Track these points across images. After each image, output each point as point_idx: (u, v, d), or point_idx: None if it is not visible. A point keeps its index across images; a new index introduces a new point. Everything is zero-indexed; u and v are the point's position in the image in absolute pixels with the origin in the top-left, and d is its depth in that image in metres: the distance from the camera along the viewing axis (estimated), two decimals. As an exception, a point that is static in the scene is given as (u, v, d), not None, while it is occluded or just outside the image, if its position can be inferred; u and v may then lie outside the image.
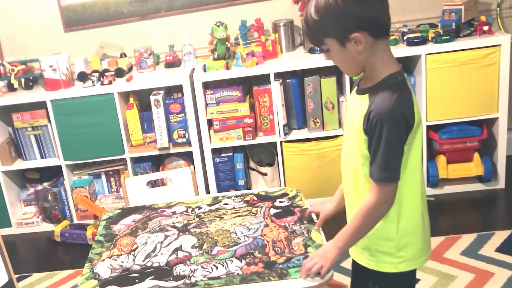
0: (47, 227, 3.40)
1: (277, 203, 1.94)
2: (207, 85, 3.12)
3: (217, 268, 1.60)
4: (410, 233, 1.52)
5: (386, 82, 1.43)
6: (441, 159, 3.07)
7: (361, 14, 1.39)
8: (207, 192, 3.25)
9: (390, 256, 1.53)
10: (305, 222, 1.79)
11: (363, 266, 1.59)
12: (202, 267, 1.62)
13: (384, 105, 1.39)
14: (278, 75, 3.06)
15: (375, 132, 1.40)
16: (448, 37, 2.91)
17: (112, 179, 3.43)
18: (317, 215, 1.80)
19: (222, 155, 3.21)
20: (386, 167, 1.42)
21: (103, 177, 3.43)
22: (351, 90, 1.62)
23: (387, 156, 1.41)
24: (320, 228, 1.76)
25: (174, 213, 1.99)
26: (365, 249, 1.56)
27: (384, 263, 1.55)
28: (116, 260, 1.72)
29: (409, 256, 1.53)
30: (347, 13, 1.39)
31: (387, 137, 1.39)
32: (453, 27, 2.94)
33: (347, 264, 2.56)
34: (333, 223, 1.73)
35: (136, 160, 3.30)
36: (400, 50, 2.95)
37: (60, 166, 3.29)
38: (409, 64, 3.11)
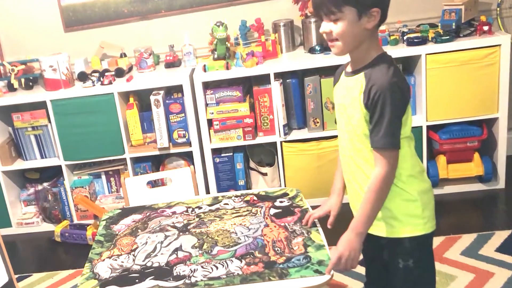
0: (47, 227, 3.40)
1: (277, 203, 1.94)
2: (207, 85, 3.12)
3: (217, 268, 1.60)
4: (426, 191, 1.60)
5: (379, 60, 1.52)
6: (441, 159, 3.07)
7: None
8: (207, 192, 3.25)
9: (416, 218, 1.58)
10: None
11: (387, 242, 1.60)
12: (202, 267, 1.62)
13: (383, 79, 1.47)
14: (278, 75, 3.06)
15: (377, 105, 1.47)
16: (448, 37, 2.91)
17: (112, 179, 3.43)
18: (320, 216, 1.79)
19: (222, 155, 3.21)
20: (391, 134, 1.48)
21: (103, 177, 3.43)
22: (335, 83, 1.68)
23: (390, 125, 1.47)
24: (320, 228, 1.75)
25: (174, 213, 1.99)
26: (391, 218, 1.59)
27: (412, 226, 1.58)
28: (116, 260, 1.72)
29: (430, 215, 1.61)
30: None
31: (389, 108, 1.46)
32: (453, 27, 2.94)
33: (347, 264, 2.57)
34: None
35: (136, 160, 3.30)
36: (400, 50, 2.95)
37: (60, 166, 3.29)
38: (409, 64, 3.11)
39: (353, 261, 1.54)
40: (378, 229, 1.61)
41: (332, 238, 1.77)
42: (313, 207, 1.90)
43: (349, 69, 1.60)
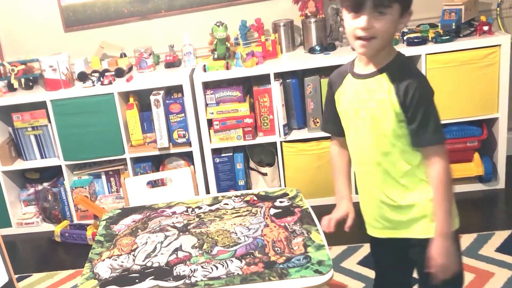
0: (47, 227, 3.40)
1: (277, 203, 1.94)
2: (207, 85, 3.12)
3: (217, 268, 1.60)
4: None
5: (400, 60, 1.53)
6: (441, 159, 3.07)
7: None
8: (207, 192, 3.25)
9: None
10: (305, 222, 1.79)
11: (420, 243, 1.53)
12: (202, 267, 1.62)
13: (419, 78, 1.48)
14: (278, 75, 3.06)
15: (420, 103, 1.45)
16: (448, 37, 2.91)
17: (112, 179, 3.43)
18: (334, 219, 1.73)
19: (222, 155, 3.21)
20: (439, 129, 1.49)
21: (103, 177, 3.43)
22: (337, 87, 1.62)
23: (436, 120, 1.48)
24: (320, 228, 1.75)
25: (174, 213, 1.99)
26: (423, 217, 1.54)
27: None
28: (116, 260, 1.72)
29: (456, 210, 1.57)
30: None
31: (433, 104, 1.47)
32: (453, 27, 2.94)
33: (347, 264, 2.57)
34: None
35: (136, 160, 3.30)
36: (400, 50, 2.94)
37: (60, 166, 3.29)
38: (409, 64, 3.11)
39: (452, 266, 1.51)
40: (414, 232, 1.56)
41: (332, 238, 1.77)
42: (313, 207, 1.90)
43: (361, 71, 1.54)
